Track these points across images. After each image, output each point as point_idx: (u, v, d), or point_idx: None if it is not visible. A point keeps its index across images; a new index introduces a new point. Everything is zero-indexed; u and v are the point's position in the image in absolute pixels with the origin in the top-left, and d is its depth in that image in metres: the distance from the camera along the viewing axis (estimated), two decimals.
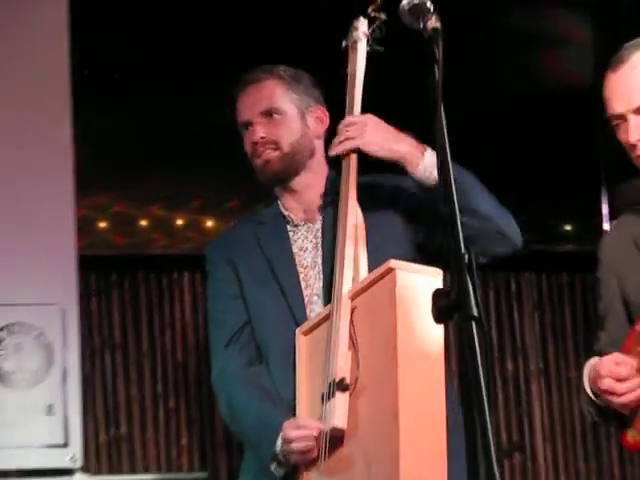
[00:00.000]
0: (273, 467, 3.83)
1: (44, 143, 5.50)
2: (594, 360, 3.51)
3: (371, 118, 3.86)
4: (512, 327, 6.06)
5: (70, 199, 5.46)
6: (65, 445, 5.48)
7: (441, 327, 3.34)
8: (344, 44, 3.91)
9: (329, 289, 3.97)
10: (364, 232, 3.87)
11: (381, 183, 3.99)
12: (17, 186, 5.48)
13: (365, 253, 3.82)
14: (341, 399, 3.66)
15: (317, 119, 4.03)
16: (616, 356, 3.43)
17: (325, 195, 4.09)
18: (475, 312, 2.55)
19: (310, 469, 3.79)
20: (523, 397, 5.99)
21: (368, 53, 3.89)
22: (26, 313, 5.51)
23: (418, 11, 2.98)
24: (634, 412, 3.38)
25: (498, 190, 3.79)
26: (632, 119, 3.50)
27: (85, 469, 5.52)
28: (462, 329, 2.59)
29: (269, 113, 3.97)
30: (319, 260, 4.05)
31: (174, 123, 5.57)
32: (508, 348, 5.94)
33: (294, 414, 3.82)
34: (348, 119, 3.89)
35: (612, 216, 5.87)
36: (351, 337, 3.70)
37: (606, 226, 5.97)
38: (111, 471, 5.79)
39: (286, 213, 4.07)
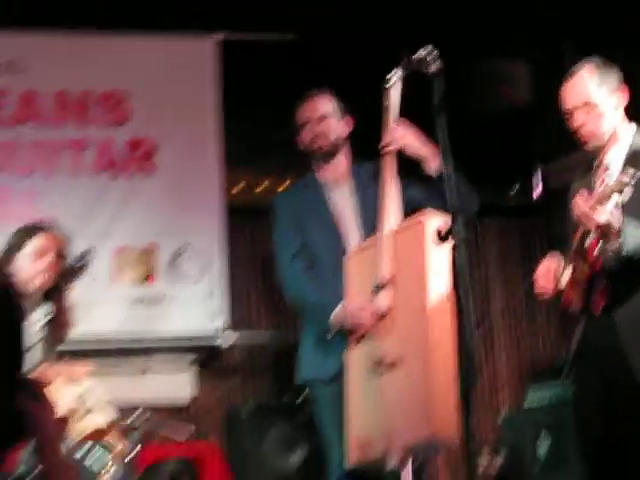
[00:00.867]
0: (329, 335, 4.45)
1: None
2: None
3: (410, 130, 4.49)
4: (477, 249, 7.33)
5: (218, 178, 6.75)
6: (220, 313, 6.77)
7: (445, 251, 3.80)
8: (386, 85, 4.51)
9: (366, 227, 4.58)
10: (396, 195, 4.45)
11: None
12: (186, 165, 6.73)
13: (398, 207, 4.42)
14: (384, 294, 4.22)
15: (347, 123, 4.76)
16: None
17: (350, 168, 4.77)
18: (462, 233, 3.49)
19: (359, 338, 4.35)
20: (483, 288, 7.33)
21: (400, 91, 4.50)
22: (195, 237, 6.77)
23: (423, 62, 3.81)
24: None
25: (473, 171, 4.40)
26: (576, 113, 4.29)
27: (232, 328, 6.81)
28: (454, 247, 3.52)
29: (324, 117, 4.70)
30: (348, 208, 4.68)
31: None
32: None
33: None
34: (397, 129, 4.49)
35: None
36: (392, 259, 4.24)
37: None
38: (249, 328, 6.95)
39: (322, 181, 4.76)
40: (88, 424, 4.69)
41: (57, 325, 4.91)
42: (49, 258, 4.90)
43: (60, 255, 4.96)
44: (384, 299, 4.18)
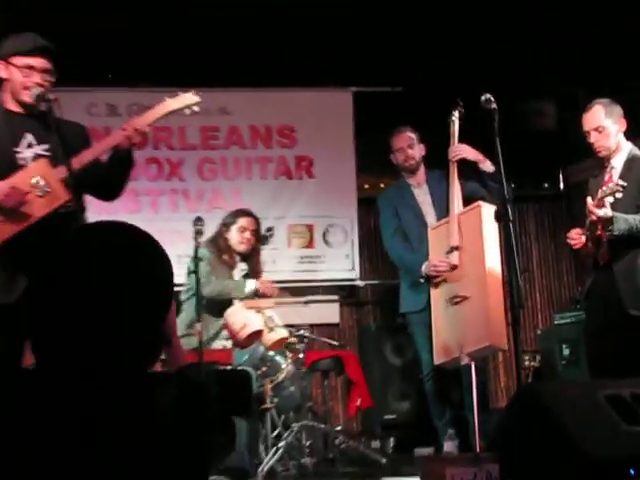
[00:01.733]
0: (422, 280, 4.48)
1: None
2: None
3: (466, 146, 4.50)
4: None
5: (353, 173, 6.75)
6: (354, 267, 6.78)
7: (495, 226, 4.02)
8: (449, 120, 4.55)
9: (437, 212, 4.63)
10: (460, 190, 4.50)
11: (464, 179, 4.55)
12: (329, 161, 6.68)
13: (460, 198, 4.46)
14: (455, 254, 4.33)
15: (423, 147, 4.78)
16: None
17: (426, 174, 4.79)
18: (510, 217, 3.49)
19: (440, 283, 4.41)
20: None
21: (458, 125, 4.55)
22: (338, 219, 6.74)
23: (486, 102, 3.73)
24: None
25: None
26: (592, 133, 4.28)
27: (361, 276, 6.78)
28: (505, 226, 3.52)
29: (411, 145, 4.74)
30: (428, 201, 4.73)
31: None
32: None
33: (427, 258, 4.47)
34: (459, 146, 4.49)
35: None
36: (459, 231, 4.35)
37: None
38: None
39: (409, 183, 4.79)
40: (273, 337, 4.69)
41: (253, 276, 4.97)
42: (248, 232, 5.00)
43: (255, 230, 5.05)
44: (454, 257, 4.30)
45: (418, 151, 4.76)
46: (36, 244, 2.85)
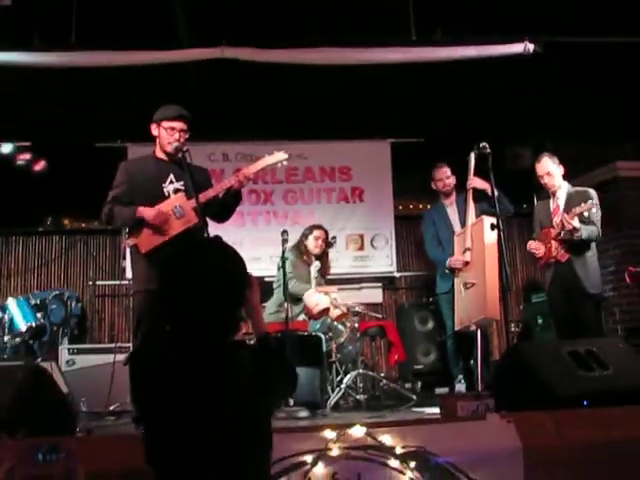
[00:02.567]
0: (447, 271, 4.40)
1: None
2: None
3: (478, 178, 4.25)
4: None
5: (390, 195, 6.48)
6: (392, 263, 6.51)
7: (494, 233, 3.79)
8: (467, 159, 4.26)
9: (460, 224, 4.49)
10: (474, 208, 4.36)
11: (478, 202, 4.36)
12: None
13: (473, 215, 4.34)
14: (467, 253, 4.20)
15: (454, 179, 4.58)
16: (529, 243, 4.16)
17: (456, 197, 4.59)
18: (501, 227, 3.59)
19: (459, 273, 4.31)
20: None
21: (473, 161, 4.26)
22: (381, 230, 6.49)
23: (485, 148, 3.73)
24: None
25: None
26: (544, 177, 4.22)
27: (399, 270, 6.53)
28: (498, 234, 3.58)
29: (448, 177, 4.54)
30: (456, 216, 4.56)
31: None
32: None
33: (452, 254, 4.36)
34: (471, 178, 4.27)
35: None
36: (471, 237, 4.24)
37: None
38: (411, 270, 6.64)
39: (444, 204, 4.65)
40: (336, 312, 4.59)
41: (323, 271, 4.88)
42: (320, 240, 4.90)
43: (325, 239, 4.94)
44: (467, 255, 4.22)
45: (452, 180, 4.61)
46: (174, 250, 2.89)
